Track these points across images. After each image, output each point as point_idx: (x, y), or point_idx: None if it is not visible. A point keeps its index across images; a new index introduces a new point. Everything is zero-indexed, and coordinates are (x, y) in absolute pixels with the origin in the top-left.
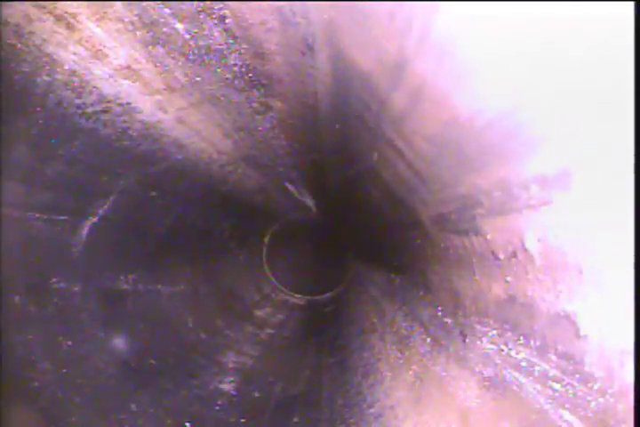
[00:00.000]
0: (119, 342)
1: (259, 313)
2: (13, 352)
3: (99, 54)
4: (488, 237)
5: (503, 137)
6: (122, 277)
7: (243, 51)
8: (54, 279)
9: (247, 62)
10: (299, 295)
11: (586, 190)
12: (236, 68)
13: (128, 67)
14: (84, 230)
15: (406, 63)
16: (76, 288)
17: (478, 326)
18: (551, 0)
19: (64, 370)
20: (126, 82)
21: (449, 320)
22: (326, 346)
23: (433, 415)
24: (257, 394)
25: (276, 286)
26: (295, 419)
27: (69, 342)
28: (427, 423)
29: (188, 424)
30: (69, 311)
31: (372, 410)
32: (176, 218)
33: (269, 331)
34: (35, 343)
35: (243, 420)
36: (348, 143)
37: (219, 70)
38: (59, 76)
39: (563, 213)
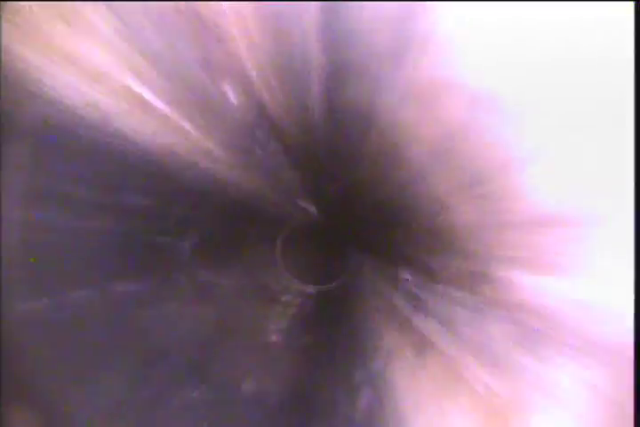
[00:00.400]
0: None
1: (283, 298)
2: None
3: (136, 109)
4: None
5: (499, 144)
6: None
7: (253, 110)
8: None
9: (254, 118)
10: (310, 285)
11: (584, 191)
12: (244, 119)
13: (162, 122)
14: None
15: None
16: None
17: (455, 293)
18: (549, 0)
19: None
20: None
21: (433, 290)
22: (337, 324)
23: (412, 341)
24: (294, 345)
25: (290, 279)
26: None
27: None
28: (409, 337)
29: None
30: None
31: (376, 365)
32: (202, 229)
33: (294, 310)
34: None
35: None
36: (344, 159)
37: (228, 119)
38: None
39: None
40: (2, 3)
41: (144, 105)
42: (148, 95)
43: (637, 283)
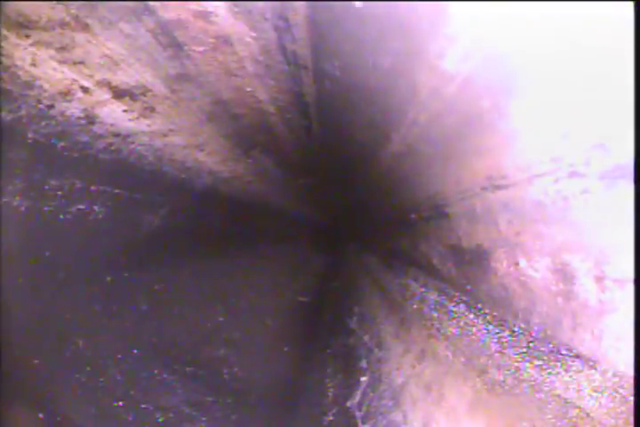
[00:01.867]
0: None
1: (301, 279)
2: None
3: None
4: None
5: (496, 135)
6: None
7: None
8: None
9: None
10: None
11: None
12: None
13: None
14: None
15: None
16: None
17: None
18: (552, 0)
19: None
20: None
21: (422, 282)
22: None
23: (411, 335)
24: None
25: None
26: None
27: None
28: (408, 332)
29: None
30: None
31: (370, 336)
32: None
33: (316, 282)
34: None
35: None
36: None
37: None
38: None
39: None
40: (2, 2)
41: (151, 113)
42: (152, 103)
43: (637, 282)
